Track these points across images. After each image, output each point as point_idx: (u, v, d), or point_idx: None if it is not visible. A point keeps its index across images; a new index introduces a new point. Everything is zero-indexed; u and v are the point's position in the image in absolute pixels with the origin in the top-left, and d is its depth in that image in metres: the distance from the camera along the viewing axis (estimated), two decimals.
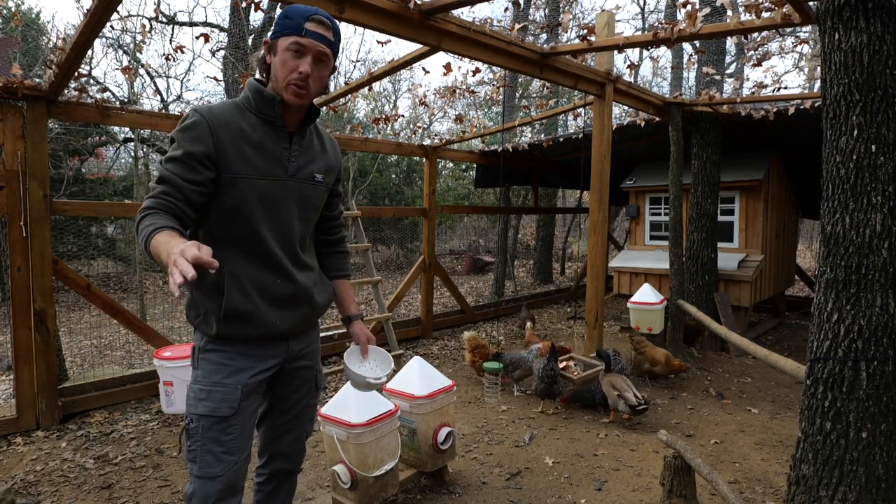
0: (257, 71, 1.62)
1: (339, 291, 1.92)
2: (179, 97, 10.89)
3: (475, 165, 8.38)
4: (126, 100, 9.15)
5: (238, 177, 1.52)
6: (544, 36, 12.14)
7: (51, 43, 9.24)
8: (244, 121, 1.55)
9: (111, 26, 8.45)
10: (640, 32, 13.68)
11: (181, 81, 14.02)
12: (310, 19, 1.51)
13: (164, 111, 7.84)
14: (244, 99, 1.58)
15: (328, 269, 1.89)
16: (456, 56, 3.57)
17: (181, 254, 1.13)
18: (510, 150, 7.13)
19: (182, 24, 10.71)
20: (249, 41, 9.29)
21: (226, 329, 1.55)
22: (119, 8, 2.65)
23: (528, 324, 5.59)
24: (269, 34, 1.55)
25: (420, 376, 2.83)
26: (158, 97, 10.31)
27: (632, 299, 4.93)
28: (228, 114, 1.53)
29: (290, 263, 1.64)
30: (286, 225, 1.62)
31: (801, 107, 4.70)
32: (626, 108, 6.35)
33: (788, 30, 7.37)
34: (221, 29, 10.68)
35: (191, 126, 1.47)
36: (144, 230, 1.33)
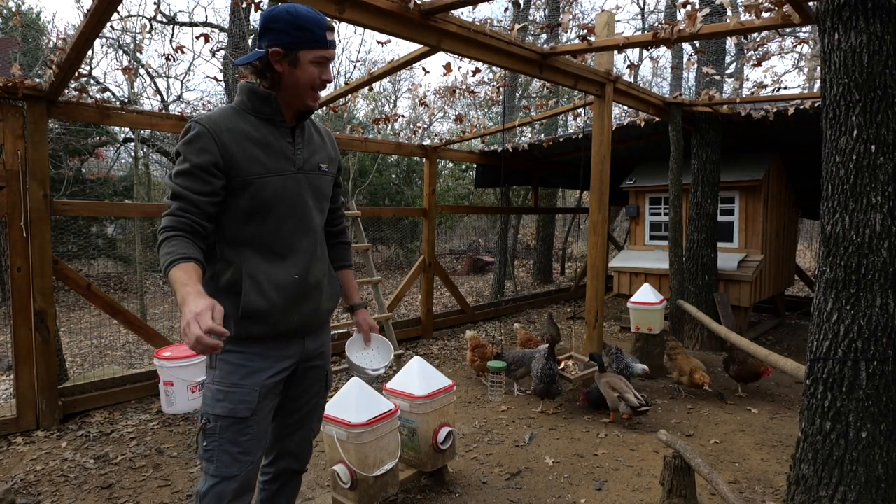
0: (254, 78, 1.62)
1: (342, 281, 1.95)
2: (179, 97, 10.90)
3: (475, 165, 8.39)
4: (126, 100, 9.15)
5: (250, 178, 1.53)
6: (544, 36, 12.14)
7: (51, 43, 9.25)
8: (245, 122, 1.57)
9: (111, 26, 8.45)
10: (640, 32, 13.69)
11: (181, 81, 14.02)
12: (329, 29, 1.56)
13: (164, 111, 7.85)
14: (239, 102, 1.60)
15: (332, 261, 1.91)
16: (456, 56, 3.57)
17: (196, 320, 1.22)
18: (510, 150, 7.13)
19: (182, 24, 10.72)
20: (249, 41, 9.29)
21: (243, 330, 1.56)
22: (119, 8, 2.65)
23: (517, 325, 5.48)
24: (280, 42, 1.52)
25: (420, 376, 2.83)
26: (158, 97, 10.31)
27: (632, 299, 4.93)
28: (228, 119, 1.55)
29: (310, 257, 1.66)
30: (307, 218, 1.65)
31: (801, 107, 4.70)
32: (626, 108, 6.35)
33: (788, 30, 7.38)
34: (221, 29, 10.68)
35: (195, 138, 1.49)
36: (164, 258, 1.39)
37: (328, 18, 1.60)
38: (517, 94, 12.69)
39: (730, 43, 11.16)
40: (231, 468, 1.56)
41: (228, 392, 1.55)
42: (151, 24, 9.39)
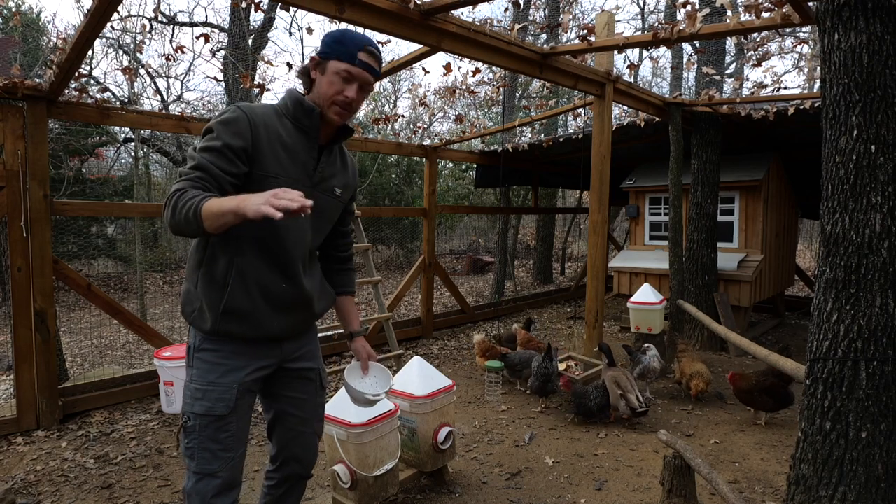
0: (300, 81, 1.70)
1: (343, 308, 1.97)
2: (179, 97, 10.90)
3: (475, 165, 8.39)
4: (126, 100, 9.15)
5: (269, 176, 1.55)
6: (544, 36, 12.14)
7: (51, 43, 9.24)
8: (281, 126, 1.60)
9: (111, 26, 8.45)
10: (640, 32, 13.68)
11: (181, 81, 14.03)
12: (363, 50, 1.59)
13: (164, 111, 7.85)
14: (283, 106, 1.63)
15: (335, 286, 1.93)
16: (456, 56, 3.57)
17: (283, 190, 1.24)
18: (510, 150, 7.14)
19: (182, 24, 10.72)
20: (249, 41, 9.29)
21: (222, 326, 1.57)
22: (119, 8, 2.65)
23: (516, 325, 5.43)
24: (319, 52, 1.62)
25: (420, 376, 2.83)
26: (158, 97, 10.32)
27: (632, 299, 4.93)
28: (268, 116, 1.58)
29: (300, 268, 1.66)
30: (302, 231, 1.66)
31: (801, 107, 4.70)
32: (626, 108, 6.35)
33: (788, 30, 7.38)
34: (221, 29, 10.68)
35: (233, 120, 1.50)
36: (191, 200, 1.32)
37: (374, 44, 1.63)
38: (517, 94, 12.69)
39: (730, 43, 11.15)
40: (212, 465, 1.57)
41: (206, 391, 1.57)
42: (151, 25, 9.39)
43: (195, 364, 1.61)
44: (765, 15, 3.19)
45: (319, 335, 3.70)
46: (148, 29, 9.30)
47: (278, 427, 1.81)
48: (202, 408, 1.56)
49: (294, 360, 1.76)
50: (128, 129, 10.00)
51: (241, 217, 1.25)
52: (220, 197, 1.35)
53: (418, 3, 3.02)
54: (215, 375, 1.58)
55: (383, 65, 4.36)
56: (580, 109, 6.22)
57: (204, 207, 1.29)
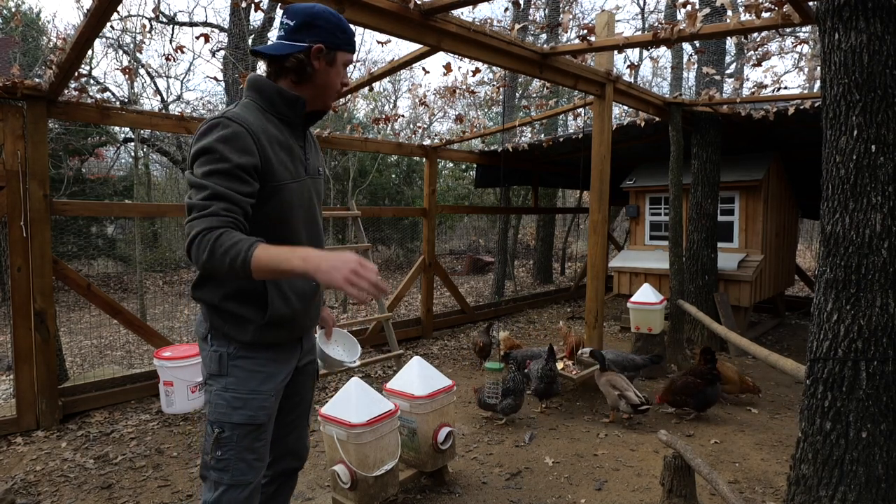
0: (269, 70, 1.55)
1: None
2: (179, 97, 10.90)
3: (475, 165, 8.39)
4: (126, 100, 9.15)
5: (282, 183, 1.49)
6: (544, 36, 12.13)
7: (51, 43, 9.24)
8: (271, 125, 1.51)
9: (111, 26, 8.45)
10: (640, 32, 13.66)
11: (181, 81, 14.05)
12: (354, 34, 1.60)
13: (164, 111, 7.84)
14: (259, 100, 1.52)
15: None
16: (456, 56, 3.57)
17: (361, 265, 1.23)
18: (510, 150, 7.13)
19: (182, 24, 10.72)
20: (249, 41, 9.29)
21: (264, 336, 1.53)
22: (119, 8, 2.65)
23: (561, 322, 5.44)
24: (323, 40, 1.50)
25: (420, 376, 2.84)
26: (158, 97, 10.32)
27: (632, 299, 4.93)
28: (259, 120, 1.48)
29: None
30: (316, 223, 1.66)
31: (801, 107, 4.70)
32: (626, 108, 6.35)
33: (788, 30, 7.38)
34: (221, 29, 10.68)
35: (232, 136, 1.38)
36: (236, 247, 1.26)
37: None
38: (517, 94, 12.68)
39: (730, 43, 11.15)
40: (247, 475, 1.54)
41: (248, 399, 1.52)
42: (151, 24, 9.39)
43: (231, 372, 1.52)
44: (765, 15, 3.19)
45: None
46: (148, 29, 9.30)
47: (275, 423, 1.79)
48: (242, 417, 1.51)
49: (303, 357, 1.76)
50: (128, 129, 10.00)
51: (309, 277, 1.26)
52: (262, 240, 1.30)
53: (418, 2, 3.01)
54: (256, 383, 1.53)
55: (382, 64, 4.38)
56: (580, 109, 6.22)
57: (255, 259, 1.24)
